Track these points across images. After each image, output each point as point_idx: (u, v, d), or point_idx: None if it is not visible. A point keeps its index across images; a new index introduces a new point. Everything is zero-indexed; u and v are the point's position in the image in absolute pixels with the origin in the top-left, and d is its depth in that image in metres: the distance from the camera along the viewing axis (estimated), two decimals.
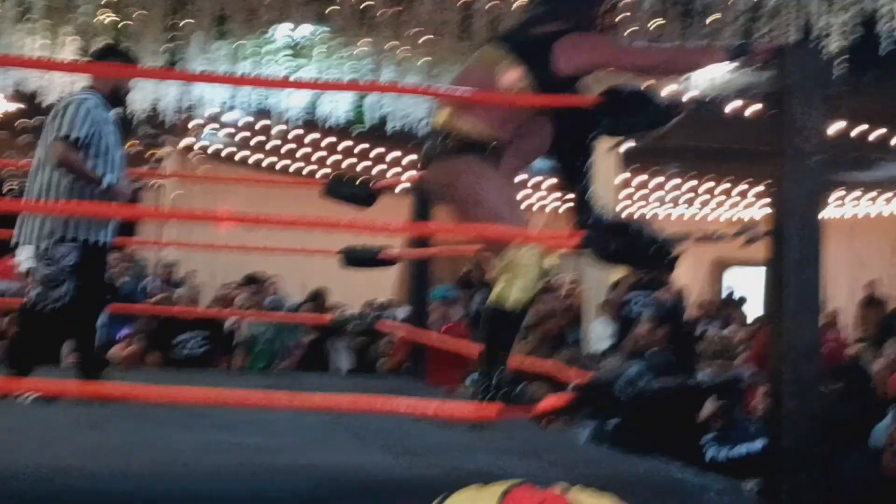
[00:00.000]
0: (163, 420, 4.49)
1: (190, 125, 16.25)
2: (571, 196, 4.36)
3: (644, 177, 19.67)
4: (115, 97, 5.64)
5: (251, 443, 4.18)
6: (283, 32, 10.40)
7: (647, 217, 23.91)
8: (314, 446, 4.22)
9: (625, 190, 19.96)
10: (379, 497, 3.30)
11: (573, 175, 4.36)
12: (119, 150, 5.59)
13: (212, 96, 12.38)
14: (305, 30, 10.43)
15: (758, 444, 5.81)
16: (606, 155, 12.12)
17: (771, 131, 3.87)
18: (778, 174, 3.80)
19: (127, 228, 7.16)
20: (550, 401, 4.14)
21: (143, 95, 12.65)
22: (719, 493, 3.62)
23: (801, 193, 3.73)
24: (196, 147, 18.97)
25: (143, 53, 10.21)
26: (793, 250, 3.70)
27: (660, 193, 21.92)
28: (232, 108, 13.94)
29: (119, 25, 9.99)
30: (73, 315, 5.49)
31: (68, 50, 10.28)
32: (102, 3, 9.74)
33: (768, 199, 3.91)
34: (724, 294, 25.66)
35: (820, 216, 3.83)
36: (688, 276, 25.21)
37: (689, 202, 23.47)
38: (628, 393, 3.87)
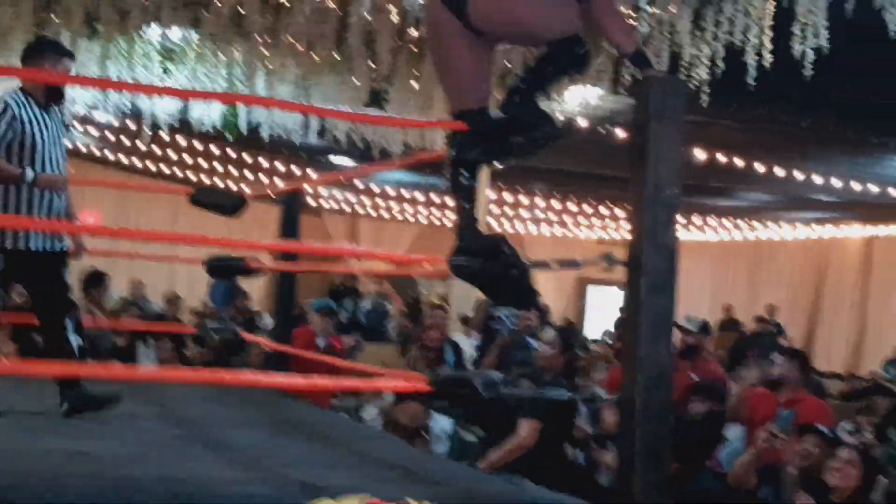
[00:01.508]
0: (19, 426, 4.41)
1: None
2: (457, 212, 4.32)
3: (511, 196, 19.90)
4: (51, 93, 5.38)
5: (105, 453, 4.12)
6: (155, 35, 10.25)
7: (515, 235, 24.23)
8: (170, 459, 4.16)
9: (494, 207, 20.19)
10: None
11: (458, 191, 4.33)
12: (55, 147, 5.36)
13: (81, 96, 12.15)
14: (178, 34, 10.31)
15: None
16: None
17: (631, 158, 3.95)
18: (635, 201, 3.87)
19: None
20: (409, 385, 4.15)
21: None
22: None
23: (657, 221, 3.81)
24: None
25: (11, 51, 9.99)
26: (647, 277, 3.77)
27: (527, 213, 22.21)
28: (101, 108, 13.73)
29: None
30: (39, 326, 5.38)
31: None
32: None
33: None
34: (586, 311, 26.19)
35: (676, 244, 3.91)
36: (552, 294, 25.64)
37: (555, 222, 23.86)
38: (490, 393, 3.87)
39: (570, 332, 7.98)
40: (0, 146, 5.15)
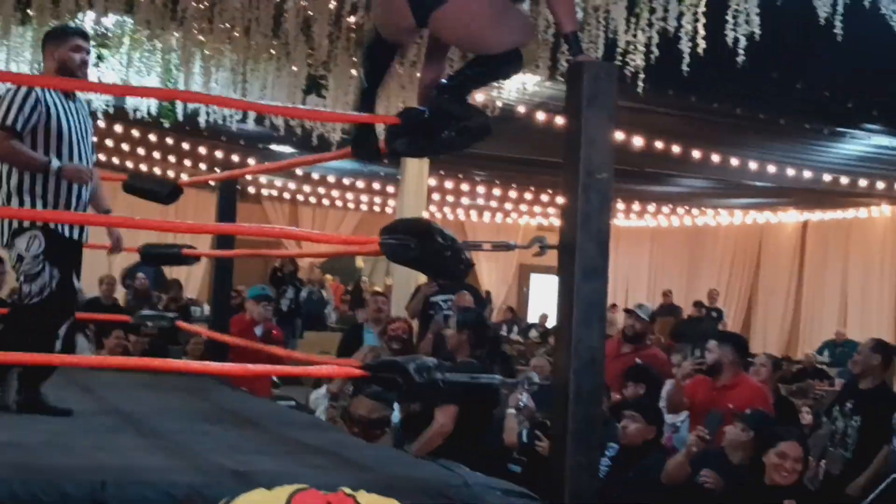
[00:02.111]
0: None
1: None
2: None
3: (452, 183, 19.94)
4: (67, 75, 5.07)
5: (31, 441, 4.09)
6: (89, 21, 10.13)
7: (456, 222, 24.31)
8: (100, 447, 4.13)
9: (435, 195, 20.22)
10: (160, 500, 3.27)
11: None
12: (83, 136, 5.11)
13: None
14: (112, 20, 10.20)
15: None
16: (417, 160, 12.26)
17: (564, 144, 3.97)
18: (568, 186, 3.89)
19: None
20: (343, 371, 4.17)
21: None
22: (505, 494, 3.70)
23: (589, 207, 3.83)
24: None
25: None
26: (580, 262, 3.80)
27: (468, 200, 22.25)
28: None
29: None
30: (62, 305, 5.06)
31: None
32: None
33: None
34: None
35: (609, 228, 3.94)
36: (495, 281, 25.77)
37: (496, 209, 23.96)
38: (423, 377, 3.88)
39: (477, 314, 7.96)
40: (25, 131, 4.90)
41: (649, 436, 6.71)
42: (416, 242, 3.94)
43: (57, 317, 5.06)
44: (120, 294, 13.92)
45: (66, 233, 5.00)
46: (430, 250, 3.94)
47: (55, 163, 4.90)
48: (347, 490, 3.21)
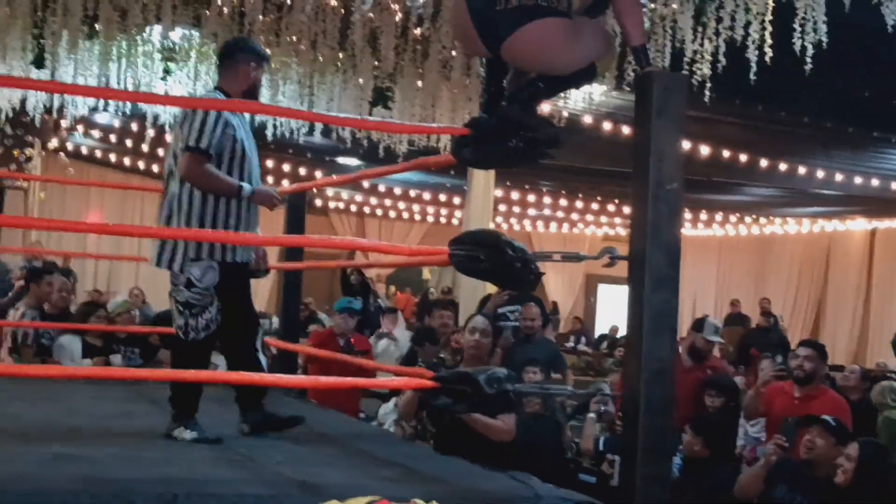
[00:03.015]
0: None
1: (60, 126, 16.01)
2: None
3: (518, 194, 19.93)
4: (250, 97, 5.00)
5: (104, 455, 4.14)
6: (157, 34, 10.26)
7: (522, 232, 24.29)
8: (170, 461, 4.17)
9: (502, 206, 20.22)
10: None
11: None
12: (255, 156, 5.00)
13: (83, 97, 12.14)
14: (179, 33, 10.32)
15: None
16: (484, 171, 12.27)
17: (632, 154, 3.97)
18: (636, 197, 3.89)
19: None
20: (412, 382, 4.17)
21: (8, 93, 12.41)
22: None
23: (658, 217, 3.82)
24: (66, 148, 18.71)
25: (9, 51, 10.01)
26: (649, 272, 3.79)
27: (534, 210, 22.23)
28: (104, 109, 13.77)
29: None
30: (223, 342, 5.05)
31: None
32: None
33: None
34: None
35: (679, 238, 3.93)
36: (562, 292, 25.69)
37: (562, 219, 23.90)
38: (494, 388, 3.89)
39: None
40: (214, 154, 4.76)
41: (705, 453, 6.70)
42: (485, 254, 3.95)
43: (231, 348, 5.06)
44: None
45: (238, 258, 4.90)
46: (501, 262, 3.95)
47: (247, 188, 4.80)
48: (420, 501, 3.21)
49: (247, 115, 5.15)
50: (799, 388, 7.02)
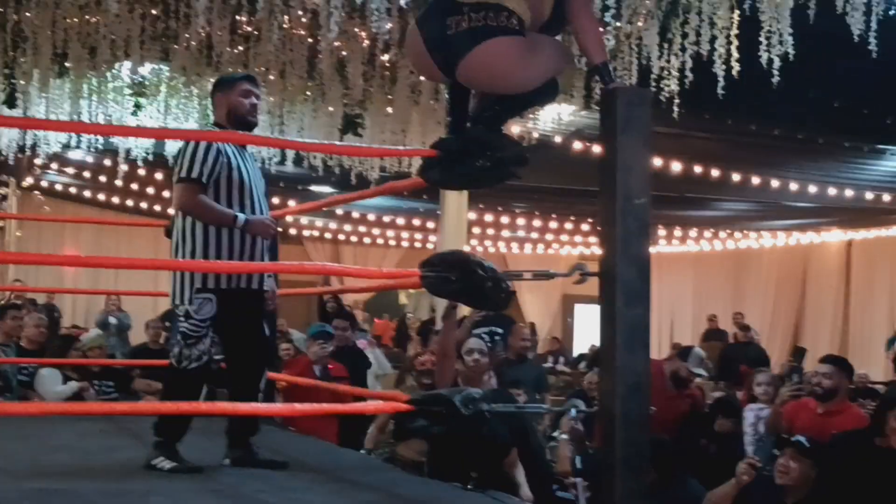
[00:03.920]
0: None
1: (34, 164, 15.98)
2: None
3: (492, 216, 19.96)
4: (239, 122, 4.99)
5: (91, 489, 4.12)
6: (126, 70, 10.27)
7: (497, 254, 24.32)
8: (153, 491, 4.16)
9: (475, 228, 20.24)
10: None
11: None
12: (258, 185, 5.02)
13: (54, 134, 12.13)
14: (149, 68, 10.33)
15: None
16: (456, 194, 12.27)
17: (600, 171, 3.97)
18: (605, 213, 3.89)
19: None
20: (388, 406, 4.16)
21: None
22: None
23: (628, 232, 3.82)
24: (41, 185, 18.68)
25: None
26: (621, 288, 3.79)
27: (508, 232, 22.26)
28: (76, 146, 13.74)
29: None
30: (228, 375, 5.02)
31: None
32: None
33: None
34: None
35: (649, 252, 3.93)
36: (539, 313, 25.71)
37: (537, 240, 23.94)
38: (470, 409, 3.88)
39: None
40: (209, 183, 4.79)
41: None
42: (456, 275, 3.95)
43: (234, 379, 5.02)
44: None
45: (244, 284, 4.91)
46: (471, 282, 3.95)
47: (241, 217, 4.80)
48: None
49: (247, 147, 5.13)
50: (821, 404, 6.85)
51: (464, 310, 10.56)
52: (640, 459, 3.77)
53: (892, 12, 7.32)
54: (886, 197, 15.84)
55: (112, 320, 16.31)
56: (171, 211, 5.20)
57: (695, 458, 7.23)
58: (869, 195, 15.70)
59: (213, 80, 10.15)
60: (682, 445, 7.23)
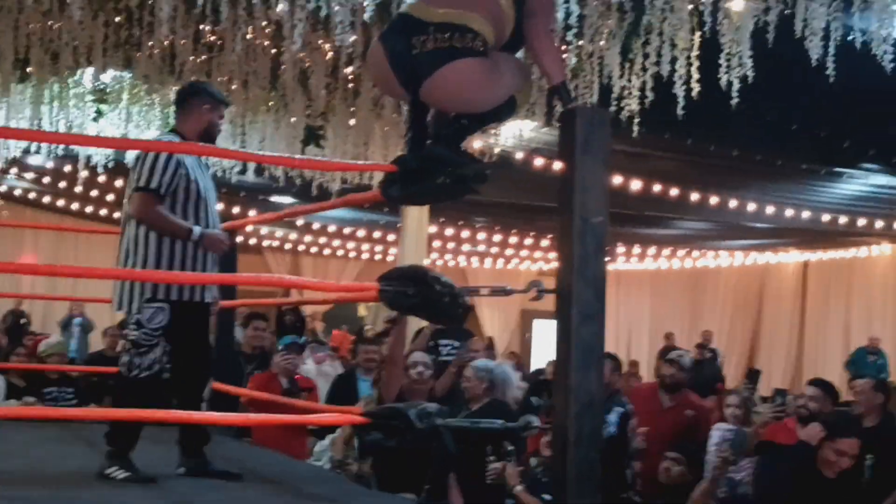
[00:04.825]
0: None
1: None
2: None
3: (452, 230, 19.99)
4: (206, 139, 5.00)
5: (36, 497, 4.10)
6: (88, 77, 10.22)
7: (457, 268, 24.35)
8: (104, 501, 4.15)
9: (436, 241, 20.27)
10: None
11: None
12: (213, 197, 5.02)
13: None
14: (112, 75, 10.29)
15: None
16: (417, 208, 12.30)
17: (558, 190, 4.01)
18: (562, 231, 3.93)
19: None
20: (344, 419, 4.17)
21: None
22: None
23: (584, 251, 3.87)
24: None
25: None
26: (576, 306, 3.83)
27: (468, 246, 22.29)
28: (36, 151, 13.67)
29: None
30: (173, 383, 4.97)
31: None
32: None
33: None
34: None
35: (605, 271, 3.97)
36: (498, 328, 25.74)
37: (496, 255, 23.99)
38: (424, 423, 3.91)
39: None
40: (167, 195, 4.79)
41: (689, 479, 6.70)
42: (414, 289, 3.98)
43: (180, 389, 5.00)
44: None
45: (197, 297, 4.90)
46: (429, 296, 3.98)
47: (196, 230, 4.81)
48: None
49: (203, 157, 5.14)
50: (803, 427, 6.93)
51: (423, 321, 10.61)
52: (592, 477, 3.81)
53: (849, 38, 7.40)
54: (843, 219, 16.02)
55: (77, 321, 16.28)
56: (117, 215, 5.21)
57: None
58: (825, 217, 15.86)
59: (174, 88, 10.24)
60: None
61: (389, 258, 22.32)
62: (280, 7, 8.03)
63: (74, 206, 19.35)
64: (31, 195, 19.25)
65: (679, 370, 8.42)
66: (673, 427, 7.90)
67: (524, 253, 23.36)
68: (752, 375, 18.60)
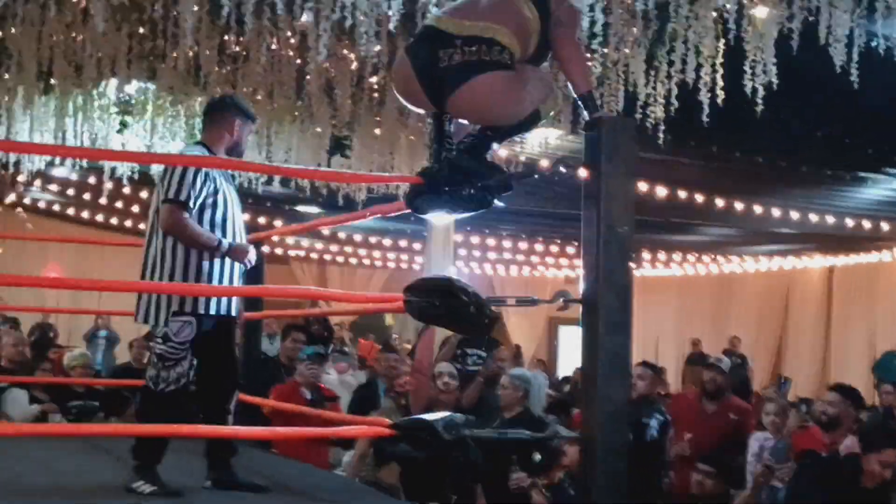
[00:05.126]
0: None
1: (17, 180, 15.93)
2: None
3: (478, 238, 19.97)
4: (233, 153, 5.07)
5: None
6: (112, 88, 10.25)
7: (483, 276, 24.33)
8: None
9: (462, 250, 20.25)
10: None
11: None
12: (238, 208, 5.06)
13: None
14: (136, 86, 10.32)
15: None
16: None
17: (584, 199, 4.01)
18: (587, 241, 3.93)
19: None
20: (370, 431, 4.17)
21: None
22: None
23: (610, 261, 3.86)
24: (24, 202, 18.63)
25: None
26: (603, 316, 3.82)
27: (495, 254, 22.27)
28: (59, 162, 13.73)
29: None
30: (199, 396, 5.01)
31: None
32: None
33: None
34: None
35: (631, 280, 3.96)
36: (524, 335, 25.69)
37: (523, 262, 23.94)
38: (452, 434, 3.90)
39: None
40: (195, 207, 4.80)
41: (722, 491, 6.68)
42: (440, 299, 3.97)
43: (206, 401, 5.02)
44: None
45: (223, 311, 4.91)
46: (455, 307, 3.97)
47: (224, 243, 4.83)
48: None
49: (230, 176, 5.15)
50: (826, 434, 6.88)
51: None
52: (621, 487, 3.80)
53: (873, 44, 7.37)
54: (867, 224, 15.93)
55: (102, 333, 16.31)
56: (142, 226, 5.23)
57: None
58: (850, 222, 15.79)
59: (199, 99, 10.26)
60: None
61: (416, 266, 22.32)
62: (305, 17, 8.04)
63: (99, 217, 19.43)
64: (56, 207, 19.33)
65: (720, 374, 8.37)
66: (718, 432, 7.85)
67: (550, 260, 23.31)
68: (781, 383, 18.51)
